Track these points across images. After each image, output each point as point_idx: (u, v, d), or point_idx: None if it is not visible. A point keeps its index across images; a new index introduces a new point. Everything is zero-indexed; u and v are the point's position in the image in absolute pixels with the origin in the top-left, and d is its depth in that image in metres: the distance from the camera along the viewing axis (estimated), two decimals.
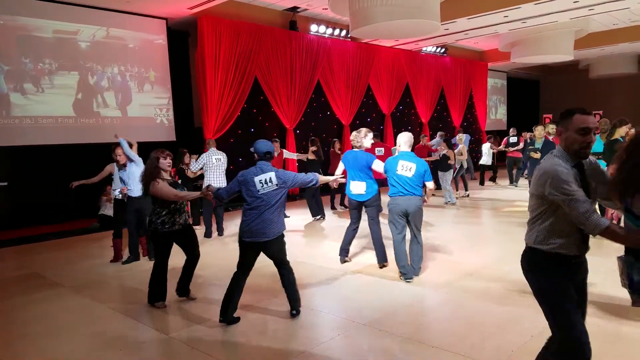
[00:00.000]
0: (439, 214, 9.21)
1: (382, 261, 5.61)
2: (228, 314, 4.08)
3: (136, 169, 5.90)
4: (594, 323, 3.94)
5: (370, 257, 6.07)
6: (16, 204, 8.97)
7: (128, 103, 9.93)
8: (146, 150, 10.48)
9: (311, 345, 3.68)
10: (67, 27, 9.06)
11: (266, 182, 4.01)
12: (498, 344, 3.56)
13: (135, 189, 5.99)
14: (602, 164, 6.74)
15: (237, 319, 4.14)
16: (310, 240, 7.48)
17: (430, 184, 5.23)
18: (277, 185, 4.03)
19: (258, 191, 3.99)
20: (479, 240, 7.00)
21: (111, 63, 9.65)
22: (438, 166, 10.47)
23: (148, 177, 4.48)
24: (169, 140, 10.49)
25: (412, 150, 5.35)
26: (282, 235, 4.13)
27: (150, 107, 10.26)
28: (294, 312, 4.22)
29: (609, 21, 13.55)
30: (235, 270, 4.15)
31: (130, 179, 6.05)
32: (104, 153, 7.10)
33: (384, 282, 5.12)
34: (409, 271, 5.10)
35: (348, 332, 3.90)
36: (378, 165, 5.39)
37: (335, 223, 8.77)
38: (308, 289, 5.02)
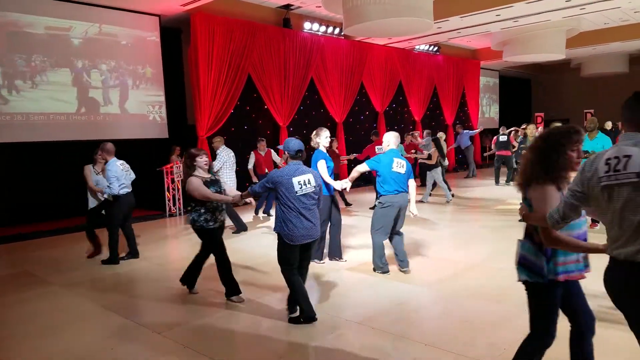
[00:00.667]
0: (430, 212, 9.25)
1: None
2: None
3: (115, 168, 6.02)
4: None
5: (363, 255, 6.10)
6: (7, 201, 8.89)
7: (121, 100, 9.87)
8: (139, 147, 10.49)
9: (304, 343, 3.69)
10: (59, 24, 8.97)
11: (305, 184, 3.94)
12: (490, 341, 3.59)
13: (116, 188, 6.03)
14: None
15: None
16: None
17: (413, 182, 5.34)
18: (314, 187, 4.00)
19: (296, 192, 3.90)
20: (471, 239, 7.05)
21: (104, 60, 9.58)
22: (425, 165, 10.52)
23: (184, 175, 4.55)
24: (161, 138, 10.45)
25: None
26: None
27: (143, 104, 10.20)
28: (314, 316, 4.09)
29: (601, 20, 13.65)
30: (291, 271, 4.03)
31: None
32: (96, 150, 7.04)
33: (377, 280, 5.14)
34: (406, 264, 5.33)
35: (341, 330, 3.91)
36: (321, 166, 5.53)
37: None
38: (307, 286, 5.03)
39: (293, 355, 3.49)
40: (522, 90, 23.94)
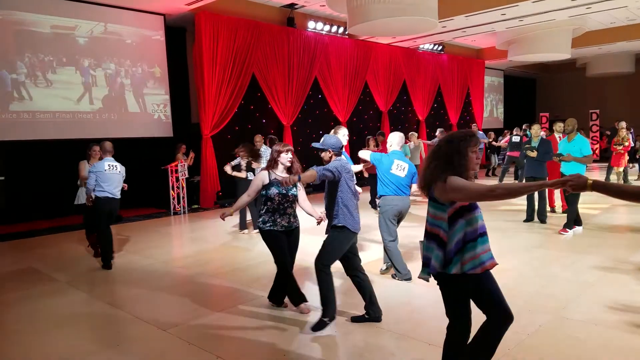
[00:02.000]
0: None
1: None
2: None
3: (100, 167, 5.90)
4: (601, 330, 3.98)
5: (368, 254, 6.09)
6: (12, 198, 8.95)
7: (126, 99, 9.91)
8: (144, 145, 10.52)
9: (307, 342, 3.69)
10: (65, 23, 9.02)
11: (354, 176, 4.07)
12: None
13: (109, 190, 5.91)
14: (575, 166, 6.75)
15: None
16: (307, 237, 7.47)
17: (415, 186, 5.05)
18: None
19: (354, 182, 4.04)
20: None
21: (109, 59, 9.62)
22: None
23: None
24: (166, 136, 10.48)
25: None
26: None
27: (148, 103, 10.24)
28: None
29: (607, 20, 13.58)
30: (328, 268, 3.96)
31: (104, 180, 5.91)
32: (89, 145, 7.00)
33: (381, 280, 5.14)
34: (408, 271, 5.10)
35: (345, 328, 3.91)
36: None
37: None
38: (305, 286, 5.03)
39: (297, 354, 3.50)
40: (527, 89, 23.85)
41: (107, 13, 9.46)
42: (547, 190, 7.64)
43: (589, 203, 8.76)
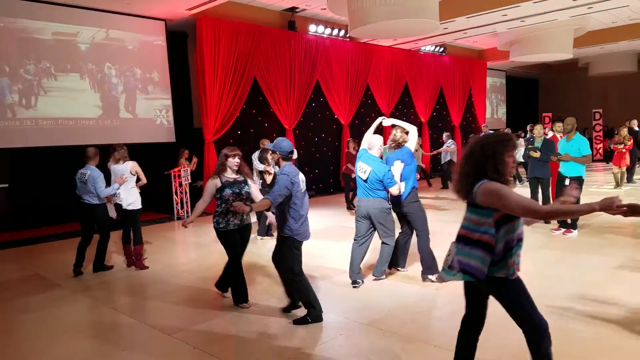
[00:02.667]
0: (438, 212, 9.21)
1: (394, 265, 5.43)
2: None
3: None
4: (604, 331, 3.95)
5: (373, 257, 6.08)
6: (17, 205, 8.98)
7: (128, 105, 9.94)
8: (146, 151, 10.56)
9: (312, 345, 3.68)
10: (66, 29, 9.06)
11: (303, 182, 4.14)
12: (501, 343, 3.55)
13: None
14: (574, 166, 6.73)
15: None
16: (310, 239, 7.45)
17: (393, 189, 4.77)
18: (304, 186, 4.16)
19: (301, 190, 4.07)
20: None
21: (111, 65, 9.65)
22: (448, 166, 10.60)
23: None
24: (169, 142, 10.50)
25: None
26: None
27: (151, 109, 10.27)
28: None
29: (609, 19, 13.54)
30: (301, 273, 4.11)
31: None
32: (104, 155, 7.07)
33: (385, 282, 5.12)
34: (356, 277, 5.00)
35: (349, 331, 3.90)
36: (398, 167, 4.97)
37: (333, 222, 8.77)
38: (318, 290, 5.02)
39: (302, 357, 3.48)
40: (529, 90, 23.81)
41: (109, 19, 9.50)
42: (550, 190, 7.59)
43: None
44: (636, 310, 4.03)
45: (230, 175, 4.48)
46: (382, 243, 5.04)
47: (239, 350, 3.71)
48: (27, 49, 8.64)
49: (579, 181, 6.67)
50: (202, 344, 3.76)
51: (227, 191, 4.39)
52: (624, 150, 11.37)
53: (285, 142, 4.06)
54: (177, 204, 9.98)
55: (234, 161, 4.47)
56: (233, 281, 4.58)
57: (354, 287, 4.96)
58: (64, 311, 4.71)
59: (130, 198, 6.07)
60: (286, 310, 4.34)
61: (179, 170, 9.87)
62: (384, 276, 5.14)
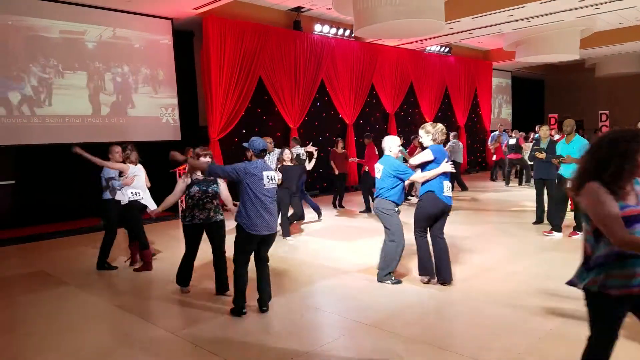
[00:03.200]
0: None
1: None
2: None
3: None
4: None
5: (377, 257, 6.07)
6: (22, 202, 9.02)
7: (134, 103, 9.97)
8: (151, 149, 10.60)
9: (315, 346, 3.69)
10: (73, 28, 9.10)
11: (272, 179, 4.25)
12: (505, 345, 3.55)
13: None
14: (568, 167, 6.70)
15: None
16: (314, 239, 7.47)
17: (413, 178, 4.94)
18: (277, 183, 4.33)
19: (264, 185, 4.17)
20: (485, 241, 6.98)
21: (118, 63, 9.69)
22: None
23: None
24: (174, 140, 10.52)
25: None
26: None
27: (157, 107, 10.30)
28: (264, 308, 4.35)
29: (616, 20, 13.46)
30: (239, 263, 4.26)
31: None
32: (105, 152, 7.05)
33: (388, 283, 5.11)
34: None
35: (352, 332, 3.90)
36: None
37: (336, 222, 8.77)
38: (312, 289, 5.03)
39: (304, 357, 3.49)
40: (535, 91, 23.69)
41: (116, 18, 9.54)
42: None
43: None
44: None
45: (200, 174, 4.76)
46: (384, 242, 5.05)
47: (241, 350, 3.72)
48: (34, 47, 8.69)
49: None
50: (204, 343, 3.77)
51: (195, 188, 4.72)
52: None
53: (257, 141, 4.35)
54: (181, 202, 9.99)
55: (205, 160, 4.66)
56: (185, 268, 4.93)
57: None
58: (69, 308, 4.74)
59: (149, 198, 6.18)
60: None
61: (184, 169, 9.87)
62: (389, 281, 5.01)
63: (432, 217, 4.85)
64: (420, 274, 5.04)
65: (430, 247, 4.96)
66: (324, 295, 4.88)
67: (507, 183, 13.22)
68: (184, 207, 4.76)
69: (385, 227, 5.02)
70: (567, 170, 6.76)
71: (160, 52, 10.26)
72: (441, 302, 4.64)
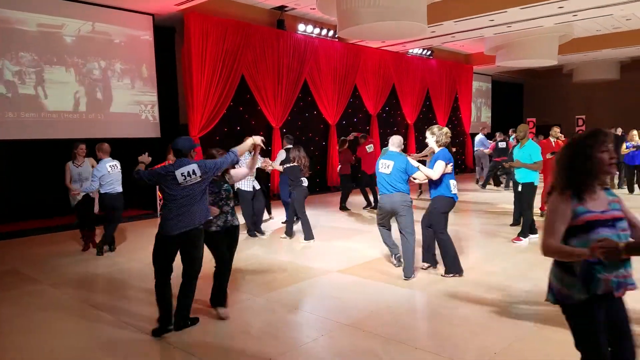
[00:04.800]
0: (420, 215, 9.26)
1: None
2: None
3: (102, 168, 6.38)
4: None
5: (356, 257, 6.10)
6: None
7: (113, 99, 9.80)
8: (131, 146, 10.44)
9: (294, 346, 3.68)
10: (51, 21, 8.89)
11: (189, 175, 3.91)
12: (481, 345, 3.59)
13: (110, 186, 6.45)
14: (525, 173, 6.82)
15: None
16: (294, 239, 7.45)
17: (418, 174, 5.19)
18: (200, 176, 3.93)
19: (180, 184, 3.90)
20: (462, 242, 7.06)
21: (96, 58, 9.50)
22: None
23: None
24: (154, 137, 10.38)
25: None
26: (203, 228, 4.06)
27: (136, 103, 10.14)
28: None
29: (592, 27, 13.78)
30: (157, 270, 3.99)
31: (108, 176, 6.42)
32: (88, 148, 7.05)
33: (368, 283, 5.14)
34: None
35: (331, 332, 3.90)
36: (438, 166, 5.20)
37: (319, 222, 8.78)
38: (292, 289, 5.01)
39: (283, 358, 3.47)
40: (514, 95, 24.10)
41: (95, 12, 9.34)
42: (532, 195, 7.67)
43: None
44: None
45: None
46: (402, 236, 5.20)
47: (219, 350, 3.68)
48: (10, 41, 8.45)
49: (530, 187, 6.79)
50: (181, 344, 3.73)
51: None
52: None
53: (180, 141, 4.07)
54: (160, 199, 9.88)
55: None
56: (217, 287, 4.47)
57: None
58: (41, 307, 4.63)
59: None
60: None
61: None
62: (414, 275, 5.20)
63: (447, 214, 5.30)
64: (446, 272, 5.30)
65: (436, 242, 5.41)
66: (303, 295, 4.87)
67: (484, 186, 13.34)
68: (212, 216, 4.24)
69: (403, 223, 5.17)
70: (520, 175, 6.92)
71: (141, 48, 10.10)
72: (419, 302, 4.68)
